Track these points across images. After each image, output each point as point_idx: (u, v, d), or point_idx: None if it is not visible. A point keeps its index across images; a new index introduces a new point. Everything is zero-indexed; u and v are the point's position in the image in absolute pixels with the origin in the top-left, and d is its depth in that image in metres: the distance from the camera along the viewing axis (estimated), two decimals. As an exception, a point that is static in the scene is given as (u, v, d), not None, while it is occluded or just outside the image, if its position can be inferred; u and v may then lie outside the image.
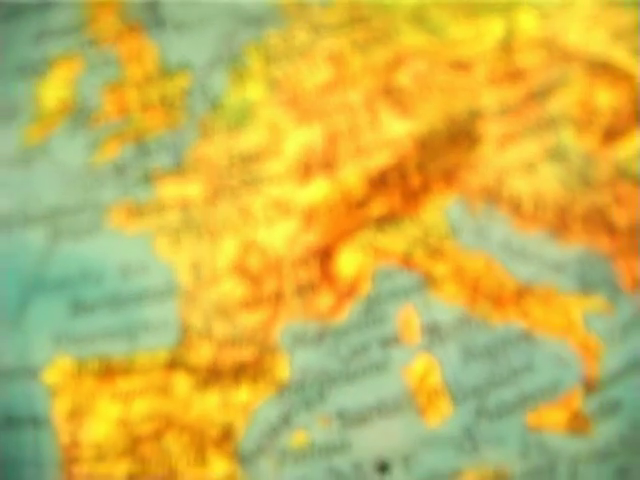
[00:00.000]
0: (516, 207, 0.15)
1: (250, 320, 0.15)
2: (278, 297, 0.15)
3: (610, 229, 0.15)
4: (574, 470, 0.15)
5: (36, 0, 0.18)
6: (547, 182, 0.15)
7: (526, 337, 0.15)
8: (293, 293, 0.15)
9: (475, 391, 0.15)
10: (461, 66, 0.16)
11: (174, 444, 0.15)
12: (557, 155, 0.16)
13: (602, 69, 0.16)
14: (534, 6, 0.16)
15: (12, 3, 0.18)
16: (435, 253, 0.15)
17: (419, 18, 0.16)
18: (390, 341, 0.15)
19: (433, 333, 0.15)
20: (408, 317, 0.15)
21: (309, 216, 0.15)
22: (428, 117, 0.15)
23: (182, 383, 0.15)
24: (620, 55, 0.16)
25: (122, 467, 0.15)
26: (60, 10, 0.17)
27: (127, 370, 0.15)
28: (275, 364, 0.15)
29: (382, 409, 0.15)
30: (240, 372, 0.15)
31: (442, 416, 0.15)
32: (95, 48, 0.16)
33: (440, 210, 0.15)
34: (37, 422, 0.15)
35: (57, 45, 0.17)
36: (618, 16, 0.16)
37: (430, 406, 0.15)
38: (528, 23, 0.16)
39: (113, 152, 0.16)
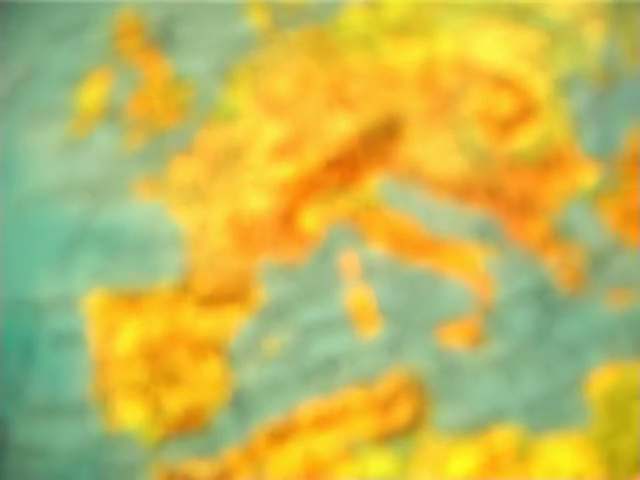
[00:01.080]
0: (433, 182, 0.20)
1: (240, 261, 0.20)
2: (260, 245, 0.20)
3: (503, 197, 0.20)
4: (475, 376, 0.20)
5: (74, 23, 0.23)
6: (458, 164, 0.20)
7: (439, 274, 0.20)
8: (271, 242, 0.20)
9: (399, 312, 0.20)
10: (394, 79, 0.21)
11: (183, 354, 0.20)
12: (466, 146, 0.21)
13: (505, 83, 0.21)
14: (451, 30, 0.21)
15: (56, 27, 0.23)
16: (373, 213, 0.20)
17: (364, 40, 0.21)
18: (338, 275, 0.20)
19: (369, 270, 0.20)
20: (351, 259, 0.20)
21: (282, 188, 0.20)
22: (370, 116, 0.20)
23: (189, 307, 0.20)
24: (521, 70, 0.21)
25: (143, 374, 0.20)
26: (94, 30, 0.22)
27: (148, 298, 0.20)
28: (257, 292, 0.20)
29: (332, 324, 0.20)
30: (232, 298, 0.20)
31: (374, 330, 0.20)
32: (123, 60, 0.22)
33: (378, 183, 0.20)
34: (77, 340, 0.20)
35: (93, 58, 0.22)
36: (524, 37, 0.21)
37: (366, 323, 0.20)
38: (446, 45, 0.21)
39: (139, 141, 0.21)
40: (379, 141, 0.20)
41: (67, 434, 0.21)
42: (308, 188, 0.20)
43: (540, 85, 0.21)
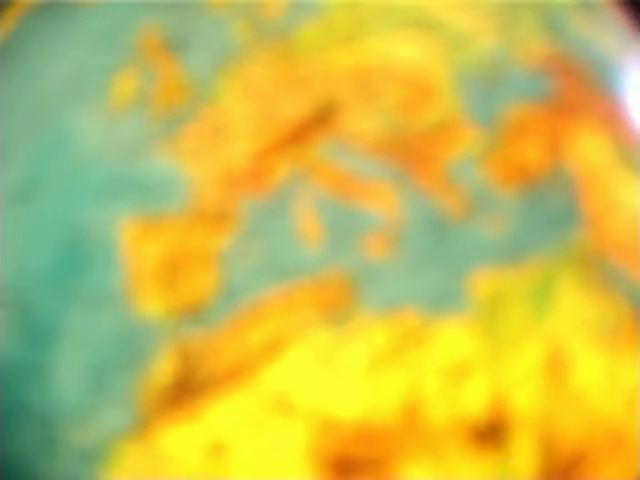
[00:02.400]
0: (366, 145, 0.28)
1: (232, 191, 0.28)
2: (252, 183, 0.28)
3: (413, 154, 0.28)
4: (388, 273, 0.28)
5: (108, 28, 0.31)
6: (383, 134, 0.28)
7: (362, 203, 0.28)
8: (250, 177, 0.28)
9: (334, 227, 0.28)
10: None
11: (196, 266, 0.28)
12: (390, 125, 0.28)
13: (416, 75, 0.29)
14: (377, 36, 0.29)
15: (94, 30, 0.31)
16: (320, 165, 0.28)
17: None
18: (295, 202, 0.28)
19: (317, 201, 0.28)
20: (306, 193, 0.28)
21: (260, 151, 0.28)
22: (318, 102, 0.28)
23: (202, 227, 0.28)
24: (429, 66, 0.29)
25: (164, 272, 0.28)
26: (123, 34, 0.30)
27: (169, 214, 0.27)
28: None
29: (290, 234, 0.28)
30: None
31: (316, 238, 0.27)
32: (146, 60, 0.29)
33: (323, 146, 0.28)
34: (111, 248, 0.28)
35: (123, 58, 0.29)
36: (431, 42, 0.29)
37: (311, 234, 0.28)
38: (374, 48, 0.29)
39: (161, 117, 0.29)
40: (324, 119, 0.28)
41: (101, 323, 0.28)
42: (282, 150, 0.28)
43: (442, 77, 0.29)
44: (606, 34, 0.32)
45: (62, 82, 0.30)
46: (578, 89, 0.30)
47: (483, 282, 0.28)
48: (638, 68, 0.33)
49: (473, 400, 0.28)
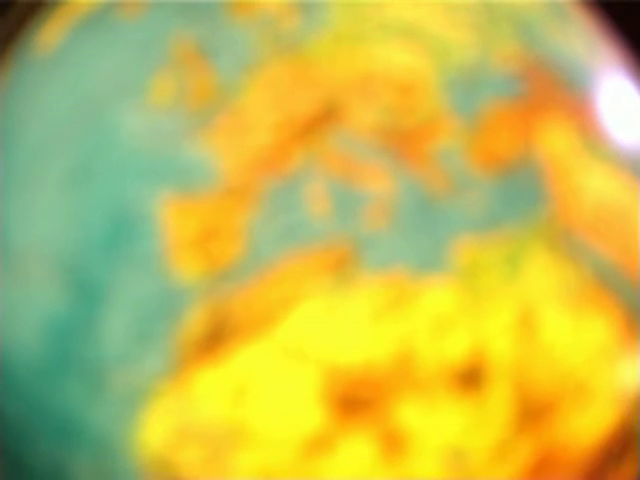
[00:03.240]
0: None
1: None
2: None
3: (404, 139, 0.32)
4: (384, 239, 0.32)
5: (148, 38, 0.33)
6: (380, 120, 0.32)
7: None
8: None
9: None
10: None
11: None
12: (386, 120, 0.33)
13: (405, 74, 0.33)
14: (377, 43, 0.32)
15: (134, 40, 0.33)
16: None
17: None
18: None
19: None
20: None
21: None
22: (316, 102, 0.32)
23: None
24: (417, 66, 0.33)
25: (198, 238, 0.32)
26: (160, 45, 0.33)
27: (203, 192, 0.30)
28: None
29: None
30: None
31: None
32: (181, 63, 0.32)
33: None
34: (152, 218, 0.31)
35: (161, 62, 0.31)
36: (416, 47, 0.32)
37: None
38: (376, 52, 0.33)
39: (195, 112, 0.31)
40: (332, 114, 0.33)
41: (145, 283, 0.32)
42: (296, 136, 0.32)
43: (429, 80, 0.33)
44: (576, 40, 0.34)
45: (108, 82, 0.32)
46: (547, 88, 0.33)
47: (464, 249, 0.31)
48: (605, 70, 0.35)
49: (456, 349, 0.31)
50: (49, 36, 0.35)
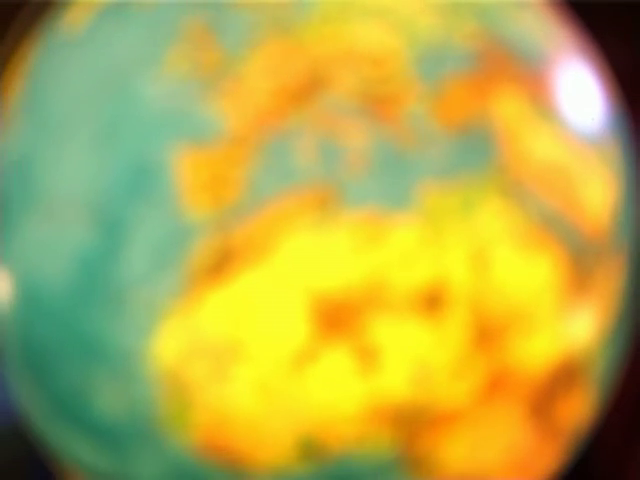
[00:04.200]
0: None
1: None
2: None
3: (383, 106, 0.36)
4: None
5: (165, 19, 0.37)
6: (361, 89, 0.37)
7: None
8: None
9: None
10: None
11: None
12: (364, 86, 0.37)
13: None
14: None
15: (152, 20, 0.36)
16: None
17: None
18: None
19: None
20: None
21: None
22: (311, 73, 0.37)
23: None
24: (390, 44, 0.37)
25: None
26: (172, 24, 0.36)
27: (212, 142, 0.33)
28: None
29: None
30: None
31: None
32: (192, 38, 0.35)
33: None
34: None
35: (174, 38, 0.34)
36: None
37: None
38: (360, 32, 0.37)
39: (205, 77, 0.34)
40: (319, 81, 0.35)
41: (161, 218, 0.33)
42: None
43: (400, 53, 0.35)
44: (532, 23, 0.36)
45: (130, 57, 0.35)
46: (502, 63, 0.35)
47: (427, 193, 0.34)
48: (558, 49, 0.36)
49: (420, 278, 0.34)
50: (76, 19, 0.38)
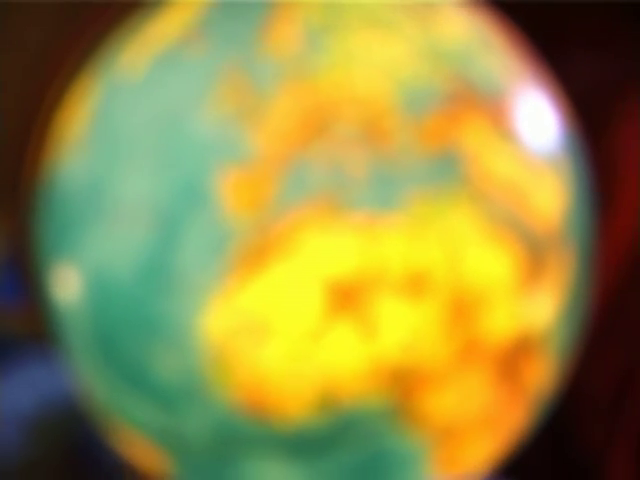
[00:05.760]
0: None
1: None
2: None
3: (377, 130, 0.39)
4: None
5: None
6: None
7: None
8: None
9: None
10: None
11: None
12: (363, 116, 0.45)
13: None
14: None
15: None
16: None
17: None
18: None
19: None
20: None
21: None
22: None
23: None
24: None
25: None
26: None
27: (245, 159, 0.37)
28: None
29: None
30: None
31: None
32: (231, 82, 0.39)
33: None
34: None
35: (214, 83, 0.39)
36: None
37: None
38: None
39: (241, 108, 0.38)
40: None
41: (211, 219, 0.37)
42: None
43: (390, 93, 0.38)
44: (497, 63, 0.40)
45: (182, 97, 0.39)
46: (471, 98, 0.39)
47: (413, 200, 0.38)
48: (518, 84, 0.40)
49: (409, 266, 0.37)
50: (134, 63, 0.40)
